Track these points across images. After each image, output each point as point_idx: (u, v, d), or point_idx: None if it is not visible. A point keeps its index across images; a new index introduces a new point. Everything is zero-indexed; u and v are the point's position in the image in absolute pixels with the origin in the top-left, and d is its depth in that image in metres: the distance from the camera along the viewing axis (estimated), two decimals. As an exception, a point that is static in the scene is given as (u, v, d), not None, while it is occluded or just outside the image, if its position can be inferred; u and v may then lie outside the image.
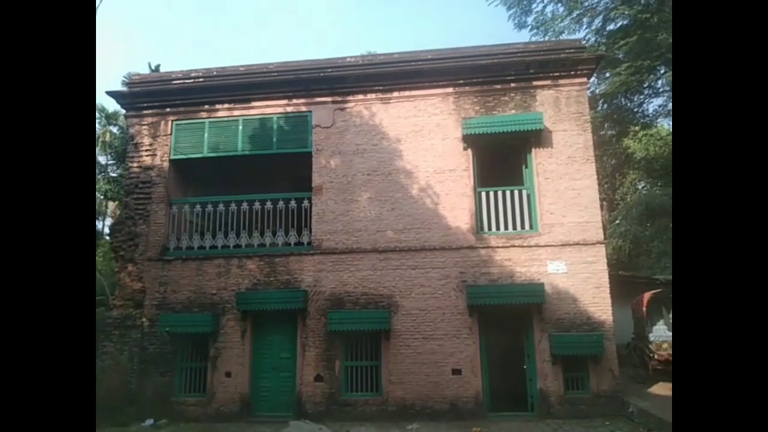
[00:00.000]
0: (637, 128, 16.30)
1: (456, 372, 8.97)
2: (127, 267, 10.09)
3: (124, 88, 11.48)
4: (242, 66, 10.95)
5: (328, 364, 9.27)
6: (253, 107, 10.51)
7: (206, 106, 10.63)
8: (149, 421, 9.05)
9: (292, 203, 10.10)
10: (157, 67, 17.58)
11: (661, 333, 10.78)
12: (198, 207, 10.55)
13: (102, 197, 19.76)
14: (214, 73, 10.90)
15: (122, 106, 11.19)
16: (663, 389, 9.68)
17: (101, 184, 19.47)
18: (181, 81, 10.89)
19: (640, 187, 22.28)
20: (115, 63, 50.24)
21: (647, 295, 11.40)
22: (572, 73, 9.85)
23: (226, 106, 10.57)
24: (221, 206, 10.33)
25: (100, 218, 21.57)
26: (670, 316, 10.67)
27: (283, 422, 8.49)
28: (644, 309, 11.29)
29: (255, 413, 9.28)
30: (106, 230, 20.25)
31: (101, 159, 21.17)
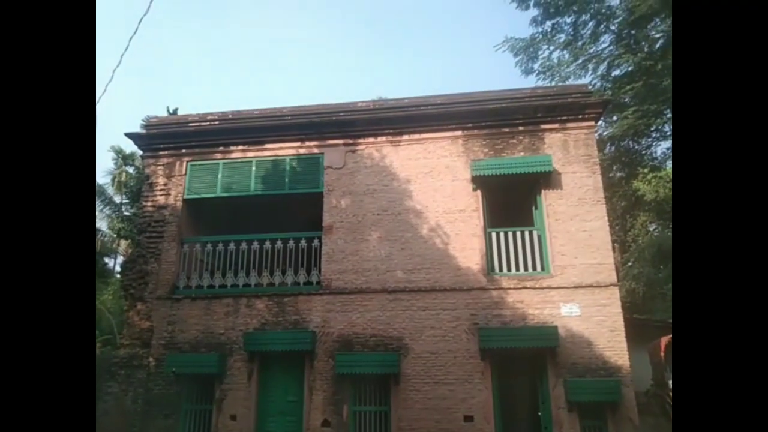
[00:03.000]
0: (645, 170, 16.41)
1: (468, 419, 8.65)
2: (136, 305, 10.07)
3: (142, 131, 11.84)
4: (256, 110, 11.30)
5: (336, 408, 9.01)
6: (266, 149, 10.76)
7: (221, 148, 10.90)
8: (150, 467, 8.78)
9: (303, 242, 10.13)
10: (175, 110, 18.16)
11: (681, 380, 10.39)
12: (209, 246, 10.61)
13: (115, 236, 20.02)
14: (230, 116, 11.24)
15: (139, 147, 11.53)
16: (686, 440, 9.22)
17: (115, 223, 19.82)
18: (197, 123, 11.24)
19: (651, 228, 22.07)
20: (136, 105, 52.14)
21: (665, 340, 11.04)
22: (580, 116, 10.01)
23: (240, 147, 10.83)
24: (232, 245, 10.38)
25: (111, 256, 21.75)
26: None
27: (289, 470, 8.20)
28: (662, 354, 10.92)
29: (259, 460, 8.97)
30: (118, 268, 20.35)
31: (116, 198, 21.64)
